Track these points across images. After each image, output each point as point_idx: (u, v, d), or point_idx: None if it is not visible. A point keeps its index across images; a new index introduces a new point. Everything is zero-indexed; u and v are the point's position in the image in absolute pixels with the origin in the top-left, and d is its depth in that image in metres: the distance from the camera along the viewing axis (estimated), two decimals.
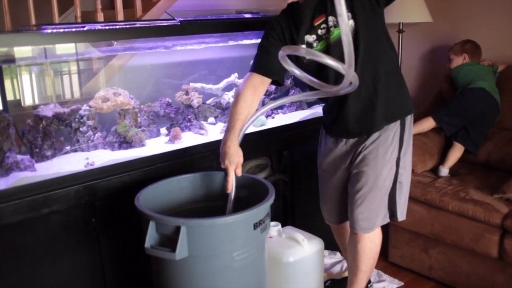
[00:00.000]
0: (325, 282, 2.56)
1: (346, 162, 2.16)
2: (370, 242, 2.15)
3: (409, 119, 2.11)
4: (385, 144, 2.05)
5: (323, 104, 2.24)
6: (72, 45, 2.18)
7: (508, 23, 3.06)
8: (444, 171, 2.79)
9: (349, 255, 2.24)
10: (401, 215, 2.17)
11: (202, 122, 2.64)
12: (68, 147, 2.23)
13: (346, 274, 2.65)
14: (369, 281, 2.54)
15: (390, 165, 2.07)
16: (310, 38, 2.02)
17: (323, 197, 2.34)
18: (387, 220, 2.15)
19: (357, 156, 2.11)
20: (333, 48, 1.97)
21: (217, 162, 2.38)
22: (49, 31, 1.99)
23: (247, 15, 2.67)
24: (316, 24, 1.99)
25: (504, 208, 2.37)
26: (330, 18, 1.96)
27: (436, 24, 3.33)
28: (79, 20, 2.96)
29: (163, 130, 2.59)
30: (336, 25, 1.94)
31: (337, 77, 1.92)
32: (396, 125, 2.06)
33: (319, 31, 2.00)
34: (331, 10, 1.94)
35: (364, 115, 2.04)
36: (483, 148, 2.91)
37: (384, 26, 2.03)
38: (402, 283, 2.63)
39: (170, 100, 2.59)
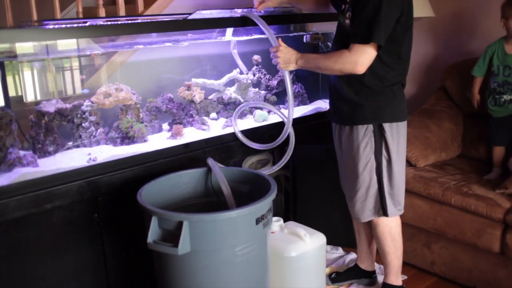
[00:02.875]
0: (330, 275, 2.57)
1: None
2: (385, 226, 2.27)
3: (392, 126, 2.16)
4: (357, 139, 2.17)
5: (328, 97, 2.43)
6: (74, 40, 2.18)
7: None
8: None
9: (374, 240, 2.41)
10: (392, 212, 2.24)
11: (204, 117, 2.64)
12: (70, 143, 2.23)
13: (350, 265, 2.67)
14: (374, 272, 2.57)
15: (364, 160, 2.17)
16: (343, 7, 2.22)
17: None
18: (379, 215, 2.25)
19: (342, 144, 2.27)
20: (340, 26, 2.22)
21: (220, 158, 2.39)
22: (51, 27, 1.99)
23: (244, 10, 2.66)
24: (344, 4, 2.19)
25: (506, 203, 2.37)
26: (347, 6, 2.14)
27: (438, 18, 3.32)
28: (80, 15, 2.96)
29: (165, 126, 2.60)
30: (346, 16, 2.12)
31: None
32: (368, 127, 2.16)
33: (345, 5, 2.18)
34: (351, 1, 2.10)
35: (336, 104, 2.26)
36: (485, 144, 2.91)
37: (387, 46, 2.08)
38: (405, 277, 2.63)
39: (172, 96, 2.59)
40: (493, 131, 2.79)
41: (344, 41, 2.10)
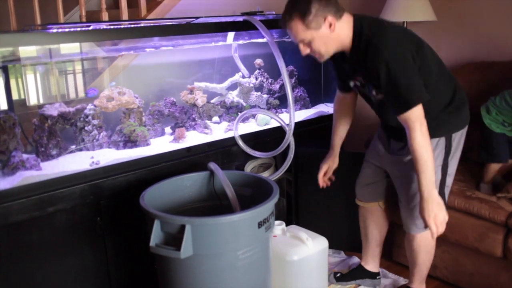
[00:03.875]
0: (335, 274, 2.57)
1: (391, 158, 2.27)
2: (425, 240, 2.25)
3: (452, 137, 2.13)
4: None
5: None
6: (77, 44, 2.19)
7: None
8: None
9: (406, 250, 2.36)
10: None
11: (207, 121, 2.65)
12: (73, 146, 2.24)
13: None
14: (378, 273, 2.59)
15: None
16: (352, 83, 2.16)
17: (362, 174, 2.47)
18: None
19: (404, 157, 2.17)
20: (368, 99, 2.16)
21: (222, 161, 2.39)
22: (54, 30, 2.00)
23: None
24: (355, 81, 2.12)
25: (509, 206, 2.37)
26: (368, 86, 2.05)
27: (440, 22, 3.33)
28: (84, 19, 2.97)
29: (168, 129, 2.60)
30: (374, 93, 2.04)
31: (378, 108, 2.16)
32: (440, 140, 2.11)
33: (357, 84, 2.11)
34: (368, 78, 2.02)
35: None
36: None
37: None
38: (407, 280, 2.62)
39: (174, 99, 2.60)
40: (497, 147, 2.56)
41: (384, 108, 2.10)
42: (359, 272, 2.58)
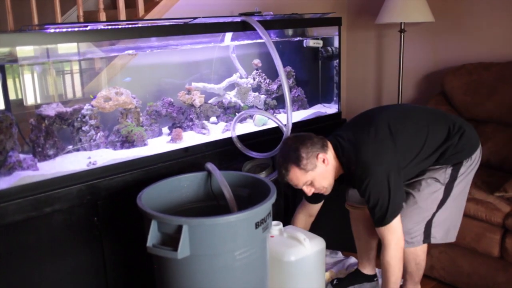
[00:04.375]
0: (332, 281, 2.57)
1: None
2: (412, 254, 2.27)
3: (463, 163, 2.15)
4: (432, 172, 2.15)
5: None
6: (75, 44, 2.18)
7: (510, 21, 3.06)
8: None
9: None
10: (439, 238, 2.24)
11: (204, 121, 2.64)
12: (70, 146, 2.24)
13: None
14: (375, 275, 2.59)
15: (433, 189, 2.14)
16: None
17: None
18: (424, 241, 2.24)
19: None
20: None
21: (219, 162, 2.39)
22: (51, 30, 2.00)
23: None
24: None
25: (505, 207, 2.37)
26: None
27: (438, 23, 3.33)
28: (81, 19, 2.96)
29: (165, 130, 2.60)
30: None
31: None
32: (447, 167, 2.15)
33: None
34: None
35: None
36: (484, 148, 2.91)
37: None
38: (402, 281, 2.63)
39: (172, 100, 2.60)
40: None
41: None
42: (356, 276, 2.58)
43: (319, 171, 2.05)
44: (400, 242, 2.08)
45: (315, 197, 2.28)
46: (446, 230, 2.22)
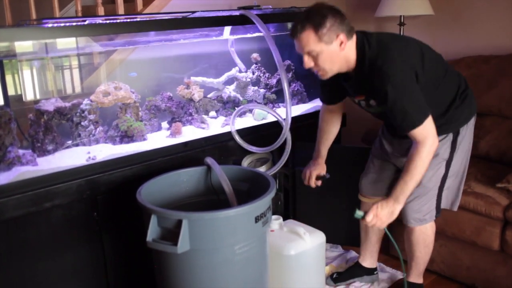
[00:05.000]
0: (331, 275, 2.57)
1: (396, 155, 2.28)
2: (423, 234, 2.28)
3: (460, 131, 2.15)
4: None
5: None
6: (73, 39, 2.18)
7: (510, 12, 3.05)
8: None
9: (405, 243, 2.38)
10: (450, 205, 2.28)
11: (203, 116, 2.64)
12: (69, 142, 2.23)
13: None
14: (375, 269, 2.59)
15: (435, 168, 2.13)
16: (355, 100, 2.15)
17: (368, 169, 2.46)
18: (437, 216, 2.26)
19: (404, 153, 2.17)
20: (371, 112, 2.15)
21: (219, 156, 2.39)
22: (50, 25, 1.99)
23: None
24: (357, 99, 2.12)
25: (504, 201, 2.37)
26: (372, 102, 2.05)
27: (437, 16, 3.32)
28: (79, 14, 2.96)
29: (164, 124, 2.60)
30: (377, 105, 2.04)
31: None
32: (447, 136, 2.13)
33: (361, 103, 2.13)
34: (372, 95, 2.02)
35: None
36: (484, 141, 2.91)
37: None
38: (405, 274, 2.63)
39: (171, 94, 2.59)
40: None
41: (386, 117, 2.11)
42: (356, 270, 2.58)
43: (331, 49, 1.91)
44: (436, 140, 1.96)
45: (329, 97, 2.28)
46: (452, 198, 2.26)
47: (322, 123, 2.40)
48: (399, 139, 2.22)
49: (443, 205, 2.24)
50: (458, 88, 2.13)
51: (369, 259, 2.57)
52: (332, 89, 2.25)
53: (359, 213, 2.04)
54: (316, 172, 2.38)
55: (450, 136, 2.13)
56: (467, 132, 2.18)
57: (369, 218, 2.01)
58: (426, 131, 1.94)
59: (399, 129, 2.00)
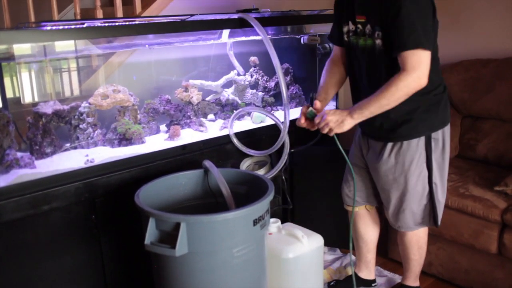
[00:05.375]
0: (329, 283, 2.56)
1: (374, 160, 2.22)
2: (415, 236, 2.27)
3: (443, 130, 2.12)
4: (410, 154, 2.10)
5: None
6: (72, 42, 2.18)
7: (508, 16, 3.06)
8: None
9: (399, 246, 2.38)
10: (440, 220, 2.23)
11: (202, 119, 2.64)
12: (68, 144, 2.23)
13: (349, 272, 2.65)
14: (373, 280, 2.55)
15: (418, 172, 2.12)
16: (346, 28, 2.10)
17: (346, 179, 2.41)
18: (429, 224, 2.23)
19: (385, 161, 2.15)
20: (358, 51, 2.06)
21: (217, 159, 2.39)
22: (48, 28, 1.99)
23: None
24: (354, 24, 2.05)
25: (502, 204, 2.38)
26: (368, 27, 1.99)
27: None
28: (78, 17, 2.96)
29: (163, 127, 2.60)
30: (374, 36, 1.98)
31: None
32: (420, 139, 2.09)
33: (357, 29, 2.05)
34: (372, 19, 1.97)
35: (376, 121, 2.08)
36: (482, 144, 2.91)
37: None
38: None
39: (169, 97, 2.60)
40: None
41: (377, 63, 2.01)
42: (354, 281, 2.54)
43: None
44: (423, 81, 1.87)
45: (338, 36, 2.18)
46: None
47: (324, 73, 2.29)
48: (373, 139, 2.19)
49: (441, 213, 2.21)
50: (438, 86, 2.09)
51: (364, 270, 2.53)
52: (342, 21, 2.13)
53: (311, 112, 2.04)
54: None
55: (422, 141, 2.08)
56: (445, 141, 2.13)
57: (317, 119, 1.98)
58: (420, 61, 1.85)
59: (399, 47, 1.87)
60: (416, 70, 1.86)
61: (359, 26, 2.03)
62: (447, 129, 2.14)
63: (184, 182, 2.15)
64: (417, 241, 2.29)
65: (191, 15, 2.38)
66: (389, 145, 2.12)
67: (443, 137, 2.12)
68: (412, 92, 1.90)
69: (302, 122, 2.10)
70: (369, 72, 2.07)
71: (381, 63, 2.00)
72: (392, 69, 1.93)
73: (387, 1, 1.88)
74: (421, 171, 2.12)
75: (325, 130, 1.98)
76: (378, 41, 1.97)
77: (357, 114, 1.95)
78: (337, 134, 2.03)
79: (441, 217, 2.23)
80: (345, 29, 2.11)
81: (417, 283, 2.42)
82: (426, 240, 2.33)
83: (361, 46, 2.05)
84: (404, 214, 2.19)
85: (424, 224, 2.22)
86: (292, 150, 2.58)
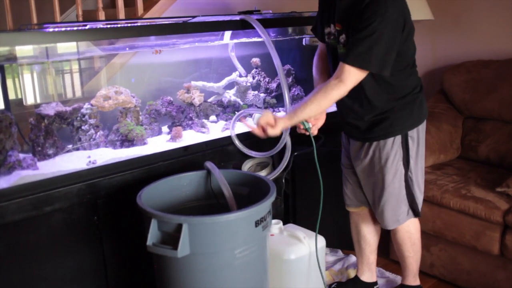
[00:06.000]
0: (330, 285, 2.55)
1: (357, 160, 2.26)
2: (406, 232, 2.28)
3: (418, 128, 2.15)
4: (386, 152, 2.13)
5: None
6: (74, 44, 2.18)
7: (510, 17, 3.06)
8: None
9: (394, 245, 2.39)
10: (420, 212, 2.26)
11: (204, 120, 2.65)
12: (70, 146, 2.24)
13: (351, 274, 2.65)
14: (375, 283, 2.54)
15: (394, 169, 2.14)
16: (327, 30, 2.13)
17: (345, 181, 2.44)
18: (412, 216, 2.25)
19: (362, 160, 2.20)
20: (336, 55, 2.09)
21: (219, 160, 2.39)
22: (50, 30, 2.00)
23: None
24: (333, 29, 2.08)
25: (504, 205, 2.38)
26: (343, 36, 2.02)
27: (437, 21, 3.33)
28: (80, 19, 2.97)
29: (165, 129, 2.60)
30: (344, 45, 2.02)
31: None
32: (396, 138, 2.13)
33: (335, 34, 2.08)
34: (347, 29, 1.99)
35: (357, 122, 2.17)
36: (483, 145, 2.91)
37: None
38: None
39: (171, 99, 2.60)
40: None
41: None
42: (355, 284, 2.53)
43: None
44: (342, 91, 1.95)
45: (321, 34, 2.21)
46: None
47: (315, 70, 2.33)
48: (352, 138, 2.24)
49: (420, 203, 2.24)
50: (414, 88, 2.13)
51: (367, 273, 2.51)
52: (324, 21, 2.16)
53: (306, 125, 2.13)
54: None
55: (399, 139, 2.12)
56: (420, 138, 2.17)
57: (256, 129, 2.05)
58: (353, 76, 1.92)
59: (348, 57, 1.92)
60: (344, 82, 1.93)
61: (336, 33, 2.07)
62: (422, 126, 2.18)
63: (186, 183, 2.15)
64: (409, 237, 2.29)
65: (193, 17, 2.39)
66: (367, 144, 2.17)
67: (417, 135, 2.16)
68: (336, 98, 1.98)
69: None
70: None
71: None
72: (367, 78, 1.99)
73: (363, 14, 1.90)
74: (397, 168, 2.14)
75: (257, 132, 2.06)
76: (341, 46, 2.02)
77: (288, 116, 2.05)
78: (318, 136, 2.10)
79: (421, 208, 2.26)
80: (326, 30, 2.14)
81: (417, 282, 2.42)
82: (419, 237, 2.33)
83: (339, 52, 2.07)
84: (385, 211, 2.21)
85: (405, 218, 2.23)
86: (295, 153, 2.58)
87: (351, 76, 1.92)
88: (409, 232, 2.28)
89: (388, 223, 2.24)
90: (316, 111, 2.01)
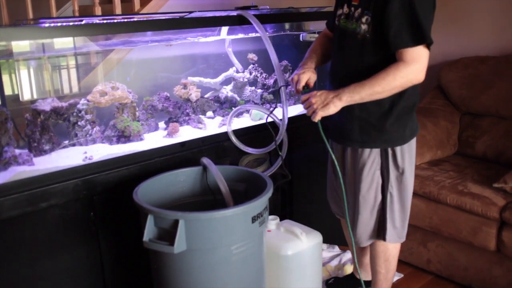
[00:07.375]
0: (327, 280, 2.56)
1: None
2: (381, 245, 2.21)
3: (396, 150, 2.04)
4: (363, 158, 2.07)
5: None
6: (70, 39, 2.17)
7: (507, 13, 3.06)
8: None
9: (369, 254, 2.32)
10: (391, 237, 2.13)
11: (201, 116, 2.64)
12: (66, 141, 2.23)
13: (347, 270, 2.66)
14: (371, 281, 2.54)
15: (370, 177, 2.07)
16: (339, 11, 2.04)
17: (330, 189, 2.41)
18: (380, 237, 2.17)
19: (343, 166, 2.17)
20: (342, 35, 2.01)
21: (216, 156, 2.39)
22: (46, 25, 1.98)
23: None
24: (353, 3, 1.97)
25: (501, 201, 2.38)
26: (359, 10, 1.93)
27: (435, 17, 3.33)
28: (76, 14, 2.96)
29: (162, 124, 2.59)
30: (360, 21, 1.92)
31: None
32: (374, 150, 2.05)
33: (351, 9, 1.97)
34: (364, 3, 1.91)
35: (342, 125, 2.09)
36: (480, 141, 2.92)
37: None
38: (402, 275, 2.63)
39: (168, 94, 2.59)
40: None
41: (357, 49, 1.94)
42: (351, 282, 2.53)
43: None
44: (420, 74, 1.83)
45: (331, 22, 2.14)
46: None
47: (315, 43, 2.26)
48: (335, 141, 2.19)
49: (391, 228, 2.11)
50: (415, 103, 2.05)
51: (362, 272, 2.51)
52: (339, 4, 2.06)
53: (307, 89, 2.04)
54: (306, 76, 2.11)
55: (378, 151, 2.04)
56: (412, 147, 2.07)
57: (305, 98, 1.93)
58: (420, 55, 1.81)
59: (400, 41, 1.79)
60: (417, 62, 1.81)
61: (352, 9, 1.97)
62: (408, 146, 2.05)
63: (182, 179, 2.15)
64: (383, 251, 2.21)
65: (190, 12, 2.38)
66: (348, 149, 2.13)
67: (402, 153, 2.03)
68: (409, 85, 1.86)
69: (300, 88, 2.10)
70: (348, 58, 2.01)
71: (361, 49, 1.93)
72: (373, 56, 1.90)
73: None
74: (373, 178, 2.07)
75: (309, 113, 1.93)
76: (364, 26, 1.90)
77: (346, 96, 1.86)
78: (322, 123, 1.99)
79: (407, 232, 2.16)
80: (339, 11, 2.05)
81: None
82: (395, 255, 2.23)
83: (349, 30, 1.98)
84: (358, 223, 2.15)
85: (375, 237, 2.16)
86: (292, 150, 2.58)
87: (421, 53, 1.81)
88: (385, 247, 2.20)
89: (359, 239, 2.17)
90: (378, 94, 1.85)
